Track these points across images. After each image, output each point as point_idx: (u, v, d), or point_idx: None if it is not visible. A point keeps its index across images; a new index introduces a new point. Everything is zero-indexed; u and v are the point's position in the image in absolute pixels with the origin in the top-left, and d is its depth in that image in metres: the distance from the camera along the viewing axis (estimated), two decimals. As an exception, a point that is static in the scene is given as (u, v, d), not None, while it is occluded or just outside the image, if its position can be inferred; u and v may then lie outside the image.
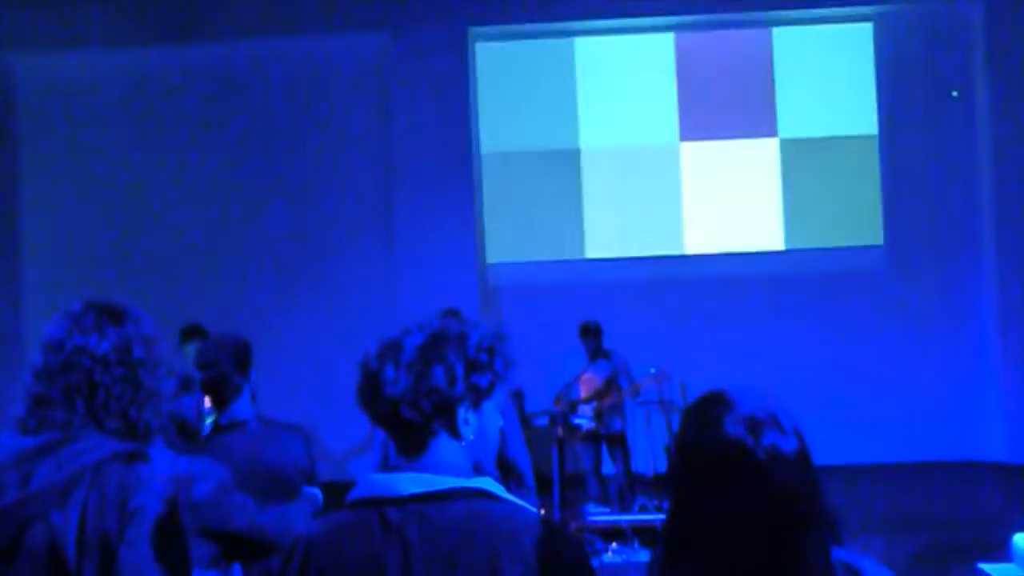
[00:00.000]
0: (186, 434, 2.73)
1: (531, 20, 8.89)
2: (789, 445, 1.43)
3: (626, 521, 6.00)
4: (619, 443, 7.01)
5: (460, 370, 1.57)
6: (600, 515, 6.47)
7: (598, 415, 6.95)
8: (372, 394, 1.59)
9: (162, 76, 9.07)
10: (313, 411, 7.83)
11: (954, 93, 8.87)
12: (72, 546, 1.72)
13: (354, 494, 1.60)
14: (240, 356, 3.05)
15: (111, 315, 1.94)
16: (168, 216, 9.07)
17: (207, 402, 3.02)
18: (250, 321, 7.68)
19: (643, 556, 5.81)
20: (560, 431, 6.94)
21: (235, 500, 2.57)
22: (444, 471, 1.56)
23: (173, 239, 9.05)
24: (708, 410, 1.47)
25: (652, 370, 6.88)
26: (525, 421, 7.00)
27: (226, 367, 3.00)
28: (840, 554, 1.44)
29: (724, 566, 1.40)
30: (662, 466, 7.99)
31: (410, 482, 1.55)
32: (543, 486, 5.29)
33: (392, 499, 1.54)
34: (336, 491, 3.27)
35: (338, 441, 8.53)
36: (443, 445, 1.59)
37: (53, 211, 9.15)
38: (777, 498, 1.39)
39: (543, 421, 7.18)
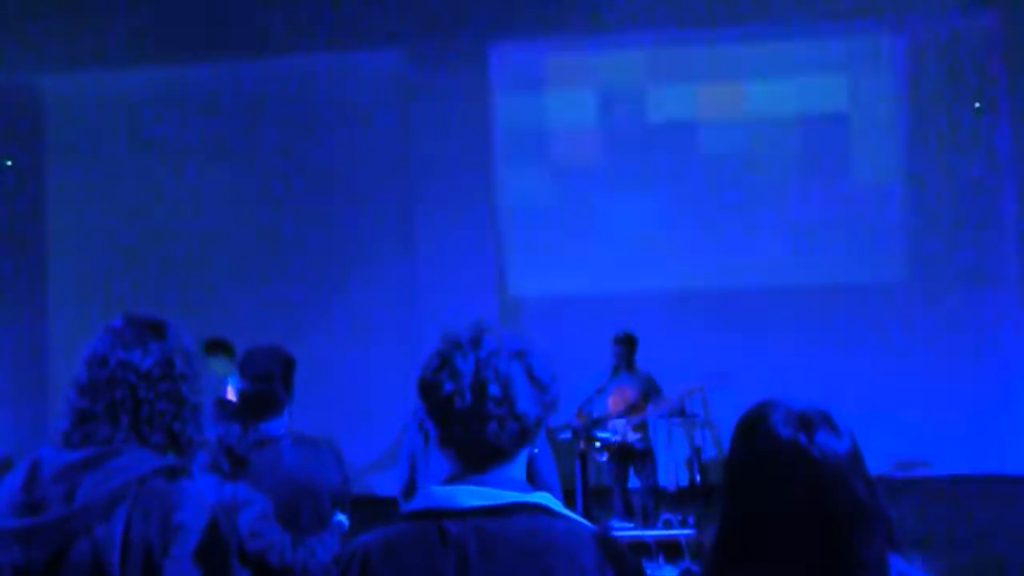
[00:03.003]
0: (232, 459, 2.70)
1: (550, 35, 8.92)
2: (843, 445, 1.44)
3: (651, 536, 5.97)
4: (646, 458, 6.93)
5: (554, 391, 1.59)
6: (624, 530, 6.43)
7: (638, 429, 6.87)
8: (468, 413, 1.53)
9: (186, 93, 9.15)
10: (333, 426, 7.81)
11: (977, 105, 8.83)
12: (116, 561, 1.72)
13: (413, 505, 1.58)
14: (288, 371, 3.01)
15: (153, 330, 1.95)
16: (192, 232, 9.14)
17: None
18: (270, 336, 7.68)
19: (668, 572, 5.76)
20: (583, 445, 6.90)
21: (274, 534, 2.56)
22: (508, 485, 1.55)
23: (197, 255, 9.11)
24: (760, 415, 1.48)
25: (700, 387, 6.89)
26: (549, 435, 6.96)
27: (277, 382, 2.94)
28: (901, 566, 1.44)
29: (780, 566, 1.39)
30: (685, 481, 7.95)
31: (470, 495, 1.53)
32: (567, 500, 5.26)
33: (452, 511, 1.52)
34: (355, 505, 3.27)
35: (356, 456, 8.53)
36: (516, 460, 1.58)
37: (80, 226, 9.24)
38: (832, 496, 1.40)
39: (566, 435, 7.13)
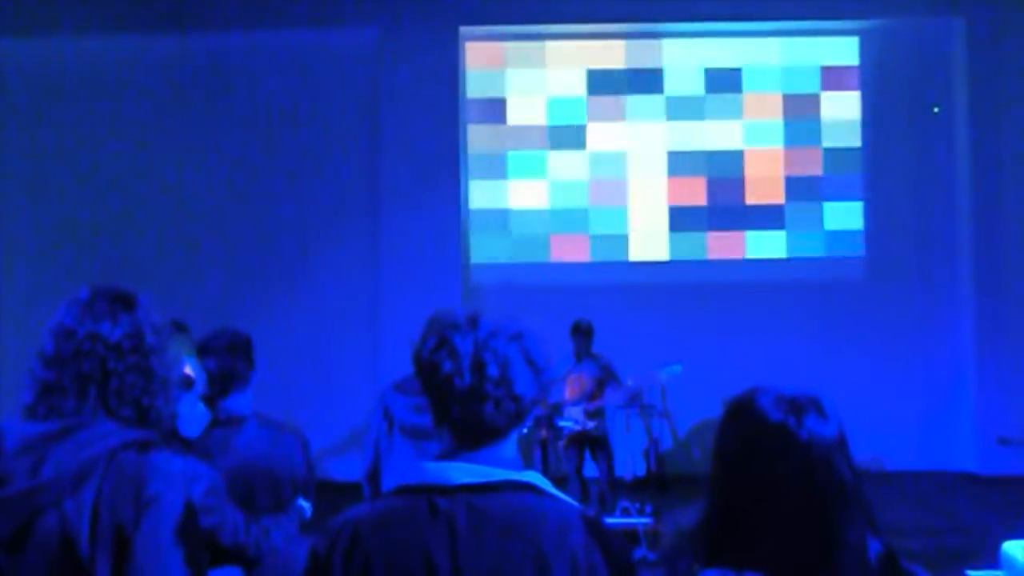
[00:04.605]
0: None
1: (521, 21, 8.90)
2: (830, 430, 1.48)
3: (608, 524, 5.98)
4: (602, 446, 6.96)
5: (548, 374, 1.62)
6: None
7: (593, 416, 6.88)
8: (466, 393, 1.55)
9: (148, 66, 8.96)
10: (291, 410, 7.74)
11: (936, 108, 9.00)
12: (85, 536, 1.68)
13: (403, 480, 1.60)
14: (249, 350, 3.01)
15: (123, 302, 1.91)
16: (148, 207, 8.97)
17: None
18: (231, 316, 7.58)
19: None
20: (543, 433, 6.90)
21: (225, 511, 2.51)
22: (499, 464, 1.57)
23: (152, 230, 8.94)
24: (751, 398, 1.51)
25: (677, 368, 6.86)
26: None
27: (240, 359, 2.95)
28: (881, 551, 1.47)
29: (766, 545, 1.42)
30: (641, 470, 8.02)
31: (461, 472, 1.55)
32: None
33: (442, 487, 1.55)
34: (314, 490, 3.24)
35: (314, 440, 8.46)
36: (508, 440, 1.61)
37: (33, 196, 9.01)
38: (818, 478, 1.43)
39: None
